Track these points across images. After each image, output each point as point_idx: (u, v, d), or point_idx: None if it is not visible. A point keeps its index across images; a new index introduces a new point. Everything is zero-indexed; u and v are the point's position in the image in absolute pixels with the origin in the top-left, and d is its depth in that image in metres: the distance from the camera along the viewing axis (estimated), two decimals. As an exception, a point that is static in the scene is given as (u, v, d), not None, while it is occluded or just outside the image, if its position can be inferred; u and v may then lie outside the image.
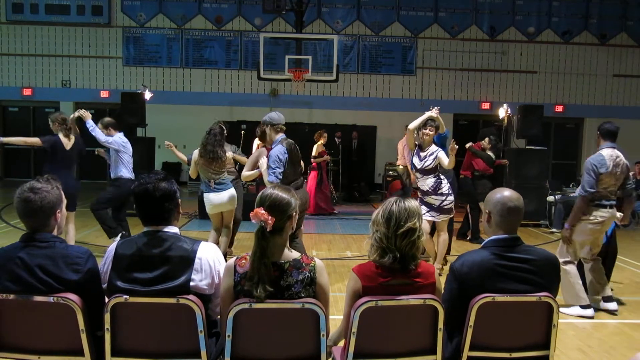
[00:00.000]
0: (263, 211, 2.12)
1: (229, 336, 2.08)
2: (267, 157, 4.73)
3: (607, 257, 5.00)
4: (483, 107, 14.68)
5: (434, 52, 14.73)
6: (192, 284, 2.17)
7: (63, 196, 2.29)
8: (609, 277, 4.94)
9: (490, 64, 14.80)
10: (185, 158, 6.03)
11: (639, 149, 11.73)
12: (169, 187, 2.26)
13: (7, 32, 14.42)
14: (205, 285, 2.22)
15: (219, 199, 5.55)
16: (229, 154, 5.67)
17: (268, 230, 2.11)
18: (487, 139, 7.69)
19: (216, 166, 5.47)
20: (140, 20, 14.51)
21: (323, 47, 13.30)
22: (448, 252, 6.09)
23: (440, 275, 2.78)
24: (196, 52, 14.62)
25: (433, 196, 5.56)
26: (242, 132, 9.51)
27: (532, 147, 9.68)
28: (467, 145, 7.53)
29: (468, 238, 7.75)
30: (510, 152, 9.78)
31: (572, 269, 4.63)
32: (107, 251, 2.28)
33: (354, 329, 2.12)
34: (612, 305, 4.68)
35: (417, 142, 5.73)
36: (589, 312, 4.55)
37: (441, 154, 5.54)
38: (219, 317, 2.33)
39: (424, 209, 5.49)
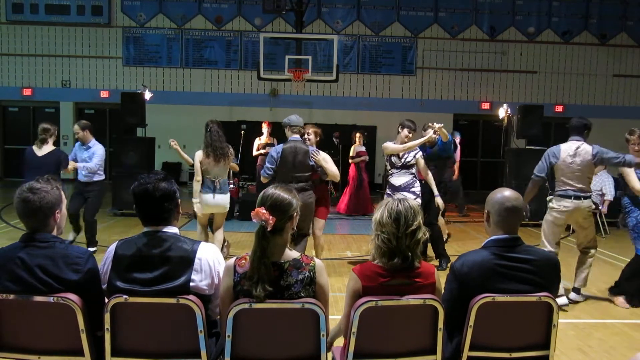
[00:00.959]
0: (264, 211, 2.12)
1: (228, 336, 2.08)
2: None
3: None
4: (483, 107, 14.68)
5: (434, 52, 14.73)
6: (192, 284, 2.17)
7: (63, 196, 2.29)
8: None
9: (490, 64, 14.80)
10: (189, 159, 5.80)
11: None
12: (168, 187, 2.25)
13: (7, 32, 14.42)
14: (205, 285, 2.22)
15: (215, 201, 5.38)
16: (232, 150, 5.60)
17: (268, 230, 2.11)
18: None
19: (224, 164, 5.38)
20: (140, 20, 14.51)
21: (323, 47, 13.30)
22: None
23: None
24: (196, 52, 14.62)
25: (405, 192, 5.57)
26: (242, 132, 9.52)
27: (532, 147, 9.67)
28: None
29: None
30: (510, 152, 9.78)
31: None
32: (107, 251, 2.28)
33: (354, 329, 2.12)
34: (561, 300, 4.76)
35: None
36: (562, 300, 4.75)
37: (419, 155, 5.72)
38: (218, 317, 2.33)
39: None
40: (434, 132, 5.80)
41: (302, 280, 2.14)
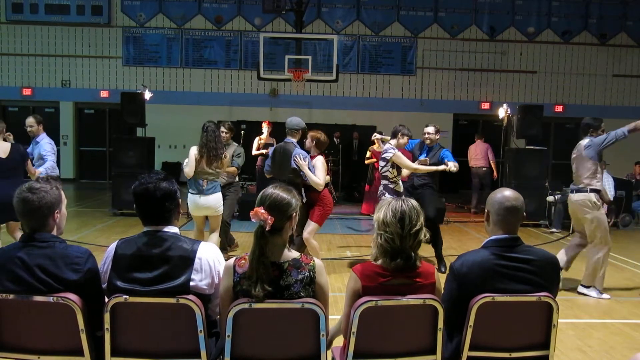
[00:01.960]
0: (263, 210, 2.12)
1: (228, 336, 2.08)
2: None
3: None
4: (483, 107, 14.68)
5: (433, 52, 14.73)
6: (192, 284, 2.17)
7: (63, 196, 2.29)
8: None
9: (490, 64, 14.80)
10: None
11: (638, 149, 11.76)
12: (169, 187, 2.26)
13: (7, 32, 14.41)
14: (205, 285, 2.22)
15: (204, 202, 5.28)
16: (228, 155, 5.59)
17: (267, 229, 2.11)
18: None
19: (216, 165, 5.29)
20: (140, 20, 14.51)
21: (323, 47, 13.30)
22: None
23: None
24: (196, 52, 14.61)
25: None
26: (242, 132, 9.52)
27: (532, 147, 9.67)
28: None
29: None
30: (510, 152, 9.78)
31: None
32: (106, 251, 2.28)
33: (354, 329, 2.12)
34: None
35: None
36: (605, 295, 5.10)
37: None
38: (218, 317, 2.33)
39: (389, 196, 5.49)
40: (375, 143, 5.96)
41: (302, 280, 2.14)
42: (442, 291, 2.35)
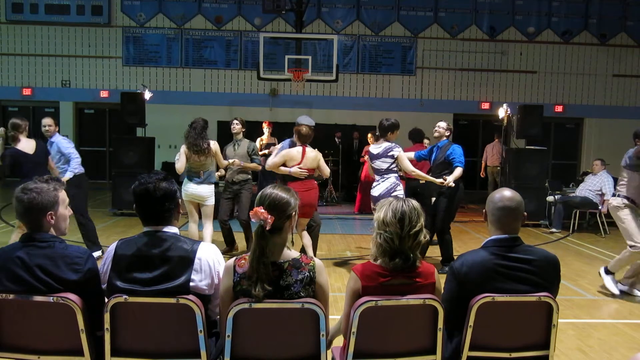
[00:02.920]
0: (262, 210, 2.12)
1: (228, 336, 2.08)
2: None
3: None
4: (483, 107, 14.67)
5: (433, 52, 14.72)
6: (191, 284, 2.17)
7: (61, 197, 2.27)
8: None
9: (490, 64, 14.79)
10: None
11: (638, 149, 11.73)
12: (169, 187, 2.26)
13: (7, 32, 14.40)
14: (205, 285, 2.22)
15: (194, 189, 5.66)
16: (214, 146, 5.71)
17: (267, 229, 2.11)
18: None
19: (202, 158, 5.61)
20: (140, 20, 14.50)
21: (323, 47, 13.29)
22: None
23: None
24: (196, 52, 14.61)
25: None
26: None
27: (532, 147, 9.67)
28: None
29: None
30: (510, 152, 9.78)
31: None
32: (106, 251, 2.28)
33: (354, 329, 2.12)
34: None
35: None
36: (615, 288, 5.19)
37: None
38: (218, 317, 2.33)
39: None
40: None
41: (302, 280, 2.14)
42: (442, 291, 2.35)
